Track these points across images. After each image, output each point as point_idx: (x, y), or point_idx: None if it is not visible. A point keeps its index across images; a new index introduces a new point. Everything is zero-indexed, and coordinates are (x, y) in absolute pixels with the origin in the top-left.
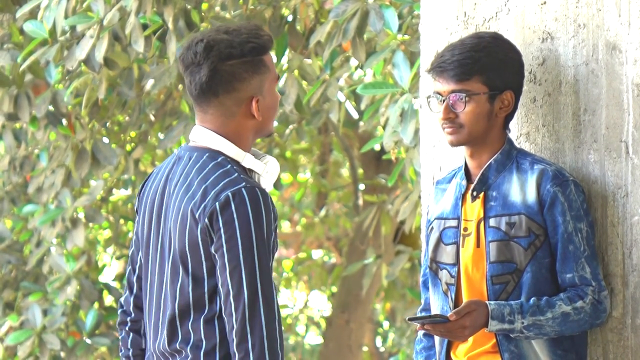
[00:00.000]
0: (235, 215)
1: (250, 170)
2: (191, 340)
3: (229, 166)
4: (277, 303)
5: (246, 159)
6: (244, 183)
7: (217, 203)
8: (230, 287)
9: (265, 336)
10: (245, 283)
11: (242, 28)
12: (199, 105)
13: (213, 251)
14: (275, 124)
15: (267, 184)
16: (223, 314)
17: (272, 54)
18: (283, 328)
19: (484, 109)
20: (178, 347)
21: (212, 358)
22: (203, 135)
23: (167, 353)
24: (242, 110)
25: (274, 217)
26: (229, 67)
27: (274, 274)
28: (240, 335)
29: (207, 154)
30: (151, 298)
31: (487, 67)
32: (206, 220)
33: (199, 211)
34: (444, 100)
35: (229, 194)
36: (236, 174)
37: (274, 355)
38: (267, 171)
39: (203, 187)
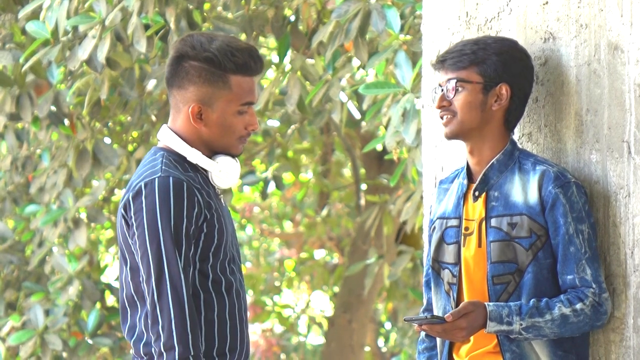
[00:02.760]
0: (143, 204)
1: (206, 170)
2: (135, 334)
3: (160, 159)
4: (188, 286)
5: (191, 155)
6: (159, 173)
7: (130, 193)
8: (142, 271)
9: (173, 318)
10: (153, 267)
11: (231, 41)
12: (169, 96)
13: (129, 240)
14: (277, 124)
15: (222, 182)
16: None
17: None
18: (284, 328)
19: (476, 99)
20: (127, 339)
21: (149, 348)
22: (161, 132)
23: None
24: (185, 111)
25: (189, 205)
26: (188, 65)
27: (275, 273)
28: (152, 318)
29: (152, 151)
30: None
31: (484, 59)
32: (122, 210)
33: (122, 204)
34: (442, 90)
35: (142, 184)
36: (159, 166)
37: (183, 335)
38: (219, 169)
39: (130, 181)
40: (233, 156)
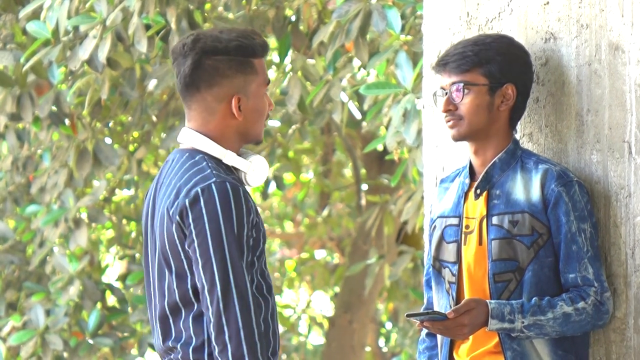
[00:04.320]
0: (204, 211)
1: (237, 170)
2: (182, 338)
3: (204, 163)
4: (254, 294)
5: (228, 157)
6: (214, 178)
7: (186, 199)
8: (204, 281)
9: (242, 327)
10: (218, 277)
11: (237, 29)
12: (185, 101)
13: (187, 247)
14: (278, 124)
15: (254, 181)
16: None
17: (277, 56)
18: (286, 328)
19: (483, 101)
20: (170, 345)
21: (200, 353)
22: (187, 136)
23: (162, 351)
24: (223, 107)
25: (247, 210)
26: (212, 62)
27: (276, 274)
28: (217, 328)
29: (187, 154)
30: (148, 298)
31: (488, 60)
32: (177, 217)
33: (172, 209)
34: (446, 94)
35: (198, 189)
36: (209, 170)
37: (252, 345)
38: (253, 169)
39: (177, 185)
40: (259, 143)
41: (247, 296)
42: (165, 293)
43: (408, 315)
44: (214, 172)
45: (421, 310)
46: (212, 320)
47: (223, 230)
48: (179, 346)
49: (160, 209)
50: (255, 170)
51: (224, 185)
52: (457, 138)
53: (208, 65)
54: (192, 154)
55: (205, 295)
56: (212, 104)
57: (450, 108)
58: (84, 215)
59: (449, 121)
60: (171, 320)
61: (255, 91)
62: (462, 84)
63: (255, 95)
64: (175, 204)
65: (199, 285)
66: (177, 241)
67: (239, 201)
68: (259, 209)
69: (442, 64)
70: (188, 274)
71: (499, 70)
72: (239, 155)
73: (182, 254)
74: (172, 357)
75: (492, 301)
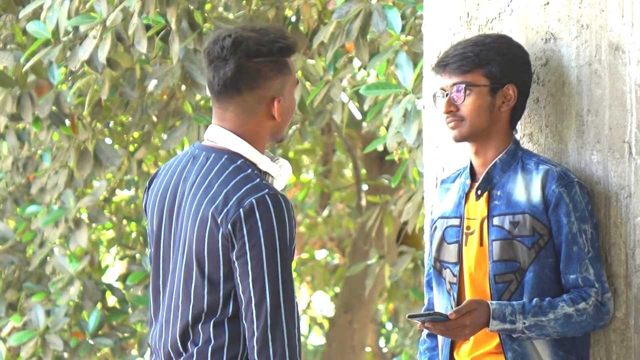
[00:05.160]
0: (259, 223)
1: (265, 173)
2: (200, 341)
3: (249, 170)
4: (298, 310)
5: (263, 162)
6: (267, 190)
7: (241, 209)
8: (252, 294)
9: (287, 343)
10: (269, 291)
11: (269, 28)
12: (220, 102)
13: (234, 258)
14: None
15: (280, 185)
16: (243, 320)
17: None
18: None
19: (485, 102)
20: (189, 347)
21: (219, 356)
22: (221, 135)
23: (172, 352)
24: (263, 109)
25: (294, 223)
26: (255, 65)
27: None
28: (262, 342)
29: (226, 156)
30: (163, 296)
31: (488, 60)
32: (229, 226)
33: (221, 216)
34: (447, 95)
35: (253, 200)
36: (258, 180)
37: None
38: (280, 174)
39: (225, 191)
40: (281, 141)
41: (294, 312)
42: (192, 297)
43: (409, 316)
44: (263, 182)
45: (422, 311)
46: (256, 333)
47: (277, 244)
48: (195, 349)
49: (200, 211)
50: (282, 175)
51: (277, 198)
52: (459, 139)
53: (251, 68)
54: (232, 158)
55: (252, 309)
56: (253, 106)
57: (452, 109)
58: (84, 216)
59: (450, 122)
60: (191, 324)
61: (289, 91)
62: (463, 85)
63: (289, 95)
64: (225, 211)
65: (243, 297)
66: (221, 249)
67: (291, 214)
68: None
69: (442, 65)
70: (222, 282)
71: (500, 70)
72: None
73: (221, 262)
74: (184, 357)
75: (494, 302)
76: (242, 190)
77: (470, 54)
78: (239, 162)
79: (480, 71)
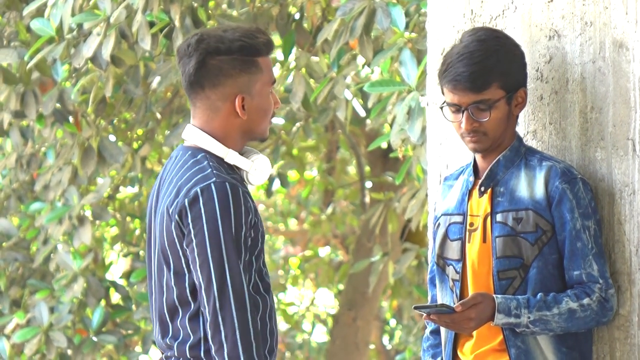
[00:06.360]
0: (202, 211)
1: (240, 169)
2: (180, 336)
3: (205, 162)
4: (250, 293)
5: (229, 156)
6: (214, 178)
7: (186, 199)
8: (201, 280)
9: (237, 327)
10: (214, 276)
11: (241, 28)
12: (190, 99)
13: (185, 246)
14: (282, 122)
15: (256, 180)
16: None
17: (281, 54)
18: (289, 325)
19: (504, 112)
20: (168, 342)
21: (197, 351)
22: (190, 133)
23: (162, 347)
24: (227, 106)
25: (245, 210)
26: (216, 62)
27: (280, 271)
28: (214, 327)
29: (189, 152)
30: (150, 295)
31: (502, 72)
32: (176, 216)
33: (172, 208)
34: (463, 111)
35: (198, 189)
36: (209, 170)
37: (248, 345)
38: (255, 168)
39: (178, 184)
40: (264, 140)
41: (244, 296)
42: (164, 290)
43: (416, 307)
44: (214, 171)
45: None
46: (208, 319)
47: (221, 230)
48: (176, 344)
49: (161, 207)
50: (257, 169)
51: (223, 185)
52: (480, 151)
53: (212, 65)
54: (195, 152)
55: (202, 294)
56: (216, 103)
57: (475, 126)
58: (88, 213)
59: (472, 138)
60: (168, 318)
61: (260, 90)
62: (486, 104)
63: (260, 94)
64: (175, 202)
65: (196, 283)
66: (176, 240)
67: (238, 201)
68: (263, 207)
69: (455, 83)
70: (186, 273)
71: (513, 78)
72: (242, 153)
73: (180, 253)
74: (168, 354)
75: (499, 296)
76: (192, 181)
77: (484, 70)
78: (199, 156)
79: (497, 84)
